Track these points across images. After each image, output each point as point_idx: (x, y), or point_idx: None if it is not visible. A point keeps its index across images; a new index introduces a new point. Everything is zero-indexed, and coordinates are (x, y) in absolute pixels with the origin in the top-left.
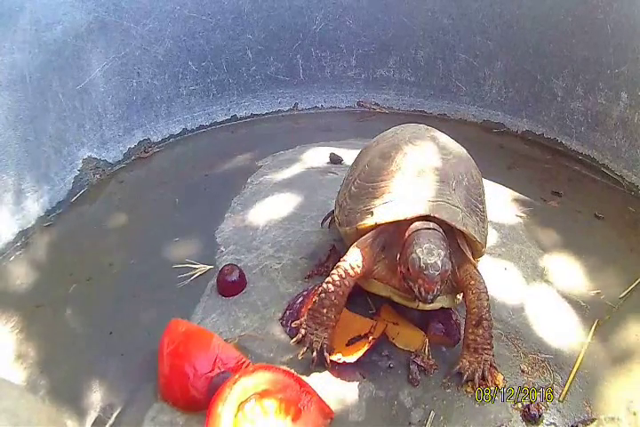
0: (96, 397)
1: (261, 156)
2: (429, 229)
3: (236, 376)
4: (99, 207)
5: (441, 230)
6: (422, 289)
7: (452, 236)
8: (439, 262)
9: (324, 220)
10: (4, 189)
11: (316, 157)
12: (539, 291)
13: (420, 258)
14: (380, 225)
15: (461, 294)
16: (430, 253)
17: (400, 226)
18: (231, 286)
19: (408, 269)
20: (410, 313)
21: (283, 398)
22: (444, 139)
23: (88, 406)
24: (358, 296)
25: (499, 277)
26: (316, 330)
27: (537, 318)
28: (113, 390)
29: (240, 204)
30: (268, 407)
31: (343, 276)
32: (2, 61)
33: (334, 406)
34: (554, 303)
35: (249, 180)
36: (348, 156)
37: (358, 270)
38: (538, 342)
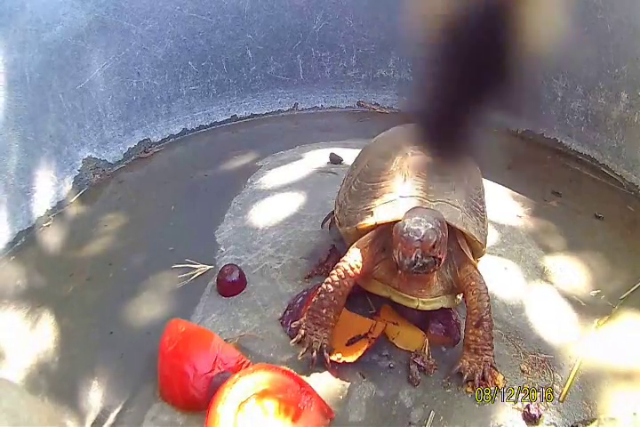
0: (96, 397)
1: (261, 156)
2: (426, 208)
3: (236, 376)
4: (99, 207)
5: (440, 214)
6: (400, 253)
7: (452, 236)
8: (422, 230)
9: (324, 221)
10: (4, 189)
11: (316, 157)
12: (539, 291)
13: (404, 224)
14: (380, 225)
15: (461, 295)
16: (417, 223)
17: None
18: (231, 285)
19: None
20: (410, 313)
21: (283, 399)
22: None
23: (88, 406)
24: (358, 296)
25: (499, 277)
26: (316, 330)
27: (537, 318)
28: (113, 390)
29: (240, 204)
30: (268, 407)
31: (343, 276)
32: (2, 61)
33: (334, 406)
34: (554, 303)
35: (249, 180)
36: (348, 156)
37: (358, 271)
38: (538, 342)
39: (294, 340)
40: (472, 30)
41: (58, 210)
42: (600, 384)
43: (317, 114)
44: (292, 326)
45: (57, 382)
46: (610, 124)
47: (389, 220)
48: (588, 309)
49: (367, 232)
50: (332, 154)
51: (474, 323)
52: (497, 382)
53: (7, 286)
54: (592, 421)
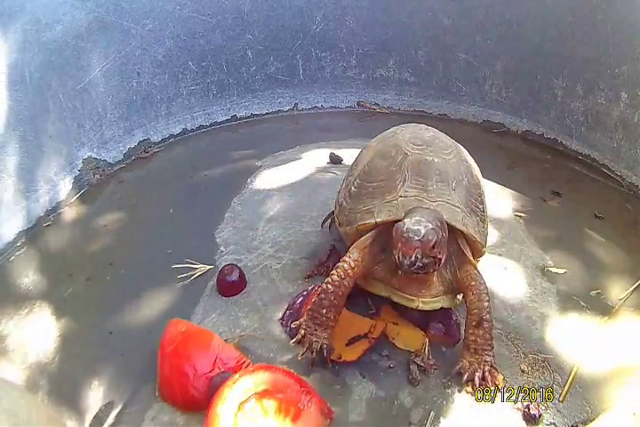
0: (96, 397)
1: (261, 156)
2: (426, 208)
3: (236, 376)
4: (99, 207)
5: (440, 214)
6: (400, 253)
7: (453, 236)
8: (422, 230)
9: (324, 221)
10: (4, 189)
11: (316, 157)
12: (539, 291)
13: (404, 224)
14: (380, 225)
15: (461, 295)
16: (417, 223)
17: None
18: (231, 285)
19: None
20: (410, 313)
21: (283, 399)
22: (444, 139)
23: (88, 406)
24: (358, 296)
25: (499, 277)
26: (316, 330)
27: (537, 318)
28: (113, 390)
29: (240, 204)
30: (268, 407)
31: (342, 276)
32: (2, 61)
33: (334, 406)
34: (554, 303)
35: (249, 180)
36: (348, 156)
37: (358, 271)
38: (538, 342)
39: (294, 340)
40: None
41: (58, 210)
42: (600, 384)
43: (317, 114)
44: (292, 326)
45: (57, 382)
46: (610, 124)
47: (389, 220)
48: (588, 309)
49: (367, 232)
50: (331, 154)
51: (474, 323)
52: (497, 382)
53: (7, 285)
54: (592, 421)
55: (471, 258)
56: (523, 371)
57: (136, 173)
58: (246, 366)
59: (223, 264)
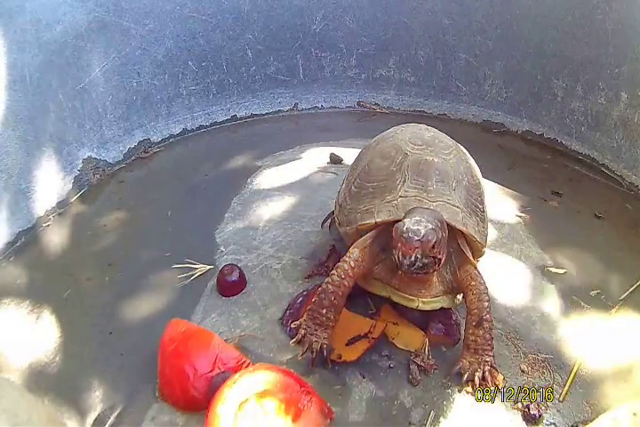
0: (96, 397)
1: (261, 156)
2: (426, 208)
3: (236, 376)
4: (99, 207)
5: (440, 214)
6: (400, 253)
7: (452, 236)
8: (422, 230)
9: (324, 221)
10: (4, 189)
11: (316, 157)
12: (539, 291)
13: (404, 224)
14: (380, 225)
15: (461, 295)
16: (417, 223)
17: None
18: (231, 285)
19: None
20: (410, 313)
21: (283, 399)
22: (444, 139)
23: (88, 406)
24: (358, 296)
25: (499, 277)
26: (316, 330)
27: (537, 318)
28: (113, 390)
29: (240, 204)
30: (268, 407)
31: (342, 276)
32: (2, 61)
33: (334, 406)
34: (554, 304)
35: (249, 180)
36: (348, 156)
37: (358, 271)
38: (538, 342)
39: (294, 340)
40: None
41: (58, 210)
42: (600, 384)
43: (317, 114)
44: (292, 326)
45: (57, 382)
46: (610, 124)
47: (389, 220)
48: (588, 309)
49: (367, 232)
50: (332, 154)
51: (474, 323)
52: (497, 382)
53: (7, 285)
54: (592, 421)
55: (471, 258)
56: (523, 371)
57: (136, 173)
58: (246, 366)
59: (223, 264)
